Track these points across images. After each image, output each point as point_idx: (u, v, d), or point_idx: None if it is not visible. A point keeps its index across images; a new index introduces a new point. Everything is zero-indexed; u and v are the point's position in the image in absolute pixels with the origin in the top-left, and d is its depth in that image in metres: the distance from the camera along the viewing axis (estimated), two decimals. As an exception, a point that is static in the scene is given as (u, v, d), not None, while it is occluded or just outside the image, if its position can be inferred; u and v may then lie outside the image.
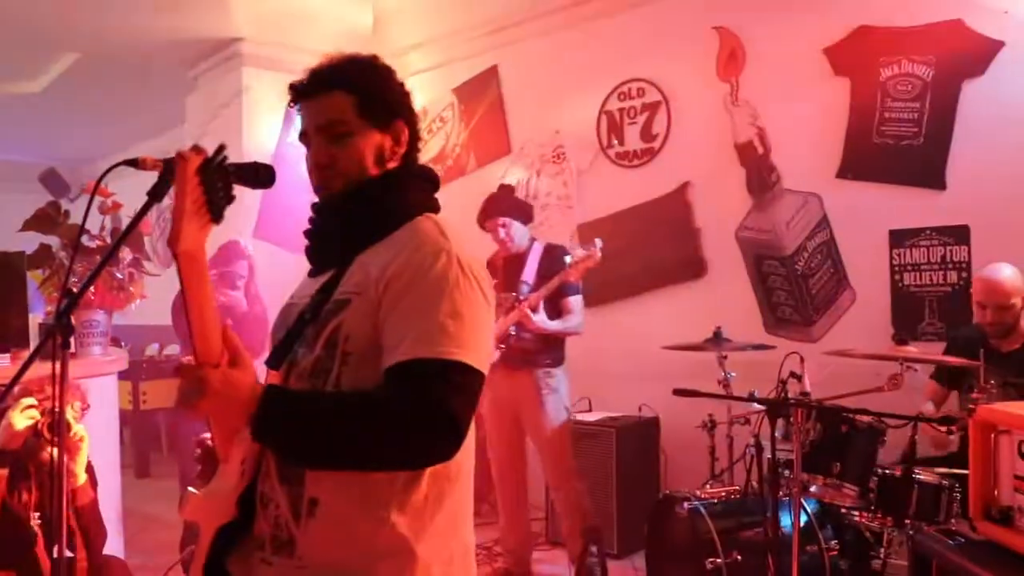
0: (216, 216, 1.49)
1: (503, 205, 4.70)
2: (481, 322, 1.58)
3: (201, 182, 1.46)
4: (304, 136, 1.76)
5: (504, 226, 4.60)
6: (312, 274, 1.81)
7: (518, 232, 4.65)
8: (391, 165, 1.76)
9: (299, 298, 1.77)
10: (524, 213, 4.76)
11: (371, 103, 1.72)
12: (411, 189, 1.76)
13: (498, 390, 4.51)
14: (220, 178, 1.49)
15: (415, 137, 1.81)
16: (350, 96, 1.71)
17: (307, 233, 1.81)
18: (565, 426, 4.59)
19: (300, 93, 1.76)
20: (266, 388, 1.50)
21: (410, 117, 1.80)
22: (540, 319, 4.38)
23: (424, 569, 1.57)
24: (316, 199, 1.78)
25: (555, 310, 4.47)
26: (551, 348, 4.57)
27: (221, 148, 1.50)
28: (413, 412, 1.45)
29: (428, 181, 1.83)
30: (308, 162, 1.75)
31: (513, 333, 4.45)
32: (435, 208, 1.78)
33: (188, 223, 1.44)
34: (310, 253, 1.83)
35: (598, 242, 4.37)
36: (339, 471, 1.55)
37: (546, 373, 4.53)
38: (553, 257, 4.55)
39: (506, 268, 4.65)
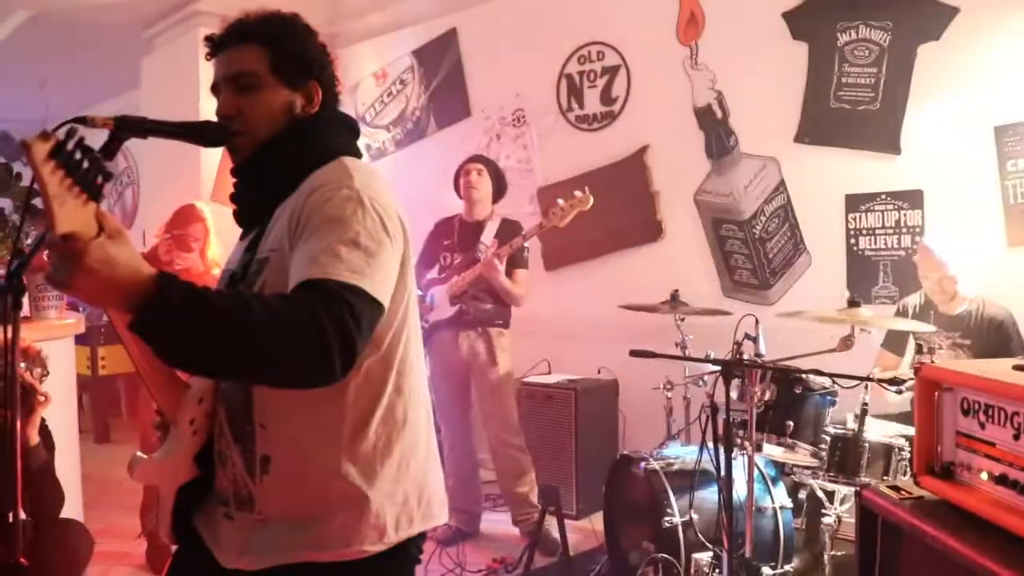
0: (92, 195, 1.30)
1: (487, 161, 4.80)
2: (379, 254, 1.53)
3: (60, 165, 1.25)
4: (215, 88, 1.75)
5: (479, 172, 4.65)
6: (242, 237, 1.82)
7: (486, 189, 4.67)
8: None
9: (232, 263, 1.79)
10: (501, 181, 4.79)
11: (285, 60, 1.72)
12: (327, 134, 1.75)
13: (450, 352, 4.59)
14: (86, 157, 1.29)
15: (332, 98, 1.81)
16: (264, 51, 1.71)
17: (231, 197, 1.81)
18: (512, 384, 4.76)
19: (216, 45, 1.76)
20: (159, 274, 1.33)
21: (327, 78, 1.80)
22: (501, 271, 4.47)
23: (378, 512, 1.62)
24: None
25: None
26: (503, 312, 4.68)
27: (72, 131, 1.30)
28: (307, 317, 1.36)
29: (346, 126, 1.83)
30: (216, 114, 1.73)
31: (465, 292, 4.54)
32: (354, 153, 1.76)
33: (60, 207, 1.24)
34: (236, 216, 1.83)
35: (586, 189, 4.45)
36: (222, 380, 1.58)
37: (499, 333, 4.65)
38: (510, 230, 4.61)
39: (462, 231, 4.69)
